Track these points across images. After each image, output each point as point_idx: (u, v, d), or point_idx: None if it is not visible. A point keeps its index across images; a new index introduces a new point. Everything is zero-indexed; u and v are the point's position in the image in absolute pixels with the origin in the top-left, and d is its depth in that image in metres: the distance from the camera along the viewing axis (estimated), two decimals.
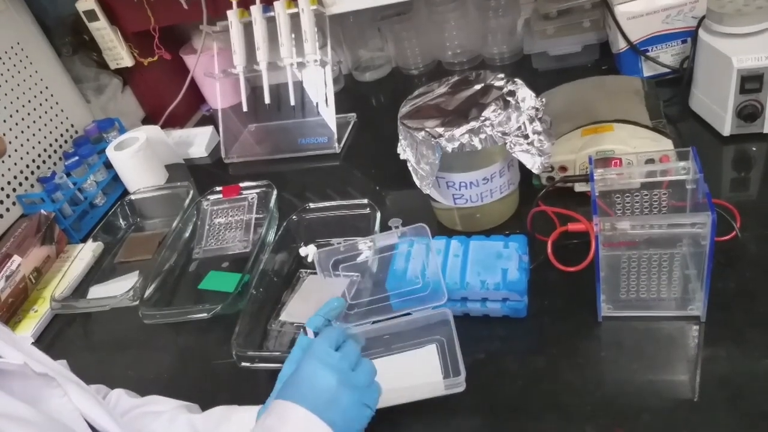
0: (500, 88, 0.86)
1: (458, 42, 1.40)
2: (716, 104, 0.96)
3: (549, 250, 0.70)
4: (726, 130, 0.96)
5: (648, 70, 1.14)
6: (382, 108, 1.43)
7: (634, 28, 1.10)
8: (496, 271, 0.78)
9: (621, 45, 1.12)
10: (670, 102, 1.07)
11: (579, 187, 0.93)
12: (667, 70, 1.12)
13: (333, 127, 1.25)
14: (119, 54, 1.40)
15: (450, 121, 0.82)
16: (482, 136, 0.80)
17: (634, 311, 0.74)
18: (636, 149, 0.88)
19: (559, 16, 1.25)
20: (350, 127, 1.31)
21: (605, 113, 0.96)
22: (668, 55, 1.12)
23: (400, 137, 0.90)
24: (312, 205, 1.02)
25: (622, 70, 1.17)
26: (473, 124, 0.80)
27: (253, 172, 1.30)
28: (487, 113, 0.81)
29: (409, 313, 0.74)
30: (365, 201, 0.99)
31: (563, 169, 0.93)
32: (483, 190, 0.88)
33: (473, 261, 0.79)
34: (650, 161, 0.84)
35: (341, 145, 1.26)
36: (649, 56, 1.11)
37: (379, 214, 0.96)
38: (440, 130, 0.81)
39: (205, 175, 1.34)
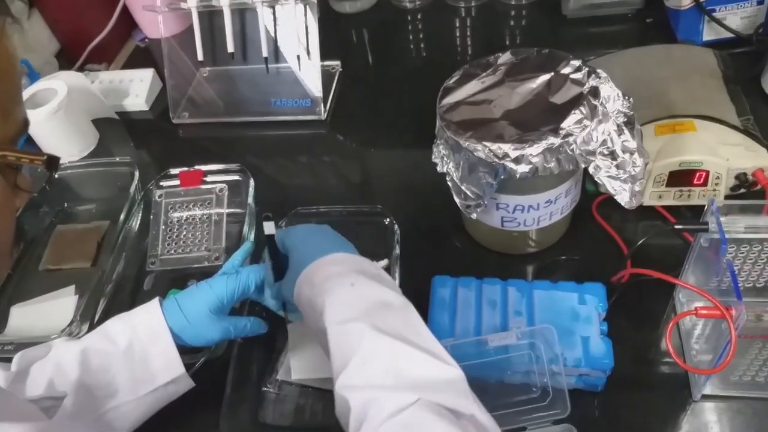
0: (578, 82, 0.64)
1: None
2: None
3: (668, 334, 0.52)
4: None
5: (709, 33, 0.94)
6: (370, 50, 1.15)
7: None
8: (574, 339, 0.60)
9: (684, 0, 0.91)
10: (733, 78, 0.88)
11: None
12: (732, 35, 0.92)
13: (317, 87, 0.98)
14: None
15: (518, 135, 0.60)
16: (561, 156, 0.60)
17: (742, 392, 0.60)
18: (729, 162, 0.70)
19: None
20: (335, 81, 1.05)
21: (682, 104, 0.77)
22: (737, 18, 0.91)
23: (439, 142, 0.67)
24: (303, 210, 0.80)
25: (675, 29, 0.96)
26: (552, 140, 0.59)
27: (210, 135, 1.03)
28: (568, 124, 0.60)
29: (524, 428, 0.58)
30: (378, 207, 0.77)
31: None
32: (542, 214, 0.68)
33: (542, 322, 0.61)
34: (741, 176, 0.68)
35: (327, 107, 1.00)
36: (715, 17, 0.91)
37: (398, 228, 0.75)
38: (507, 147, 0.60)
39: (148, 137, 1.06)
